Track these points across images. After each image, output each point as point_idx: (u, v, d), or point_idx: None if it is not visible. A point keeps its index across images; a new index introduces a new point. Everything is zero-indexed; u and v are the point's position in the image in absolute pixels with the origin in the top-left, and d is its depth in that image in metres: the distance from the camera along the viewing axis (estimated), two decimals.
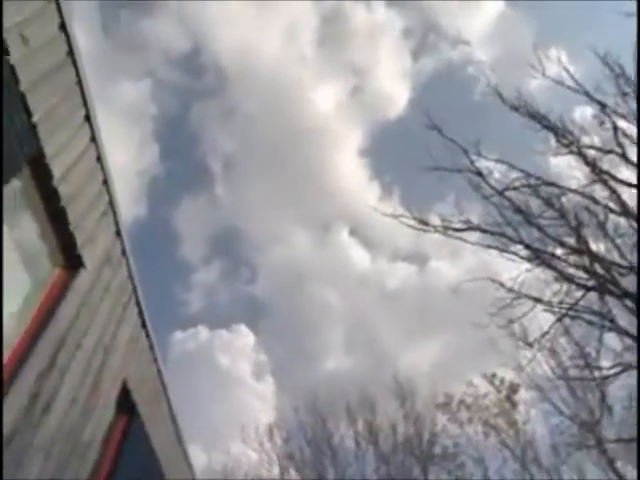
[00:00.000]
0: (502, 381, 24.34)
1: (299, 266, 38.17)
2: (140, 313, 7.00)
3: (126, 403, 6.75)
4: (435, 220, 17.98)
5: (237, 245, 42.02)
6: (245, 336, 37.02)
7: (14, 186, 4.26)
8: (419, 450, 23.64)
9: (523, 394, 24.23)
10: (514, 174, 17.23)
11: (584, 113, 17.77)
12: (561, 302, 16.21)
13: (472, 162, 17.59)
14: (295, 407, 25.82)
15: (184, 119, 37.97)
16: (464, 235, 17.64)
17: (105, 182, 5.63)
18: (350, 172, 37.58)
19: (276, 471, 24.33)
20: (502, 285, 16.66)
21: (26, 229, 4.75)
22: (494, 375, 24.38)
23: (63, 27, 4.47)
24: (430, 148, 17.61)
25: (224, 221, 40.32)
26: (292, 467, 24.42)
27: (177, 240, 40.66)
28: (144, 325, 7.17)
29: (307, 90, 36.81)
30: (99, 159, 5.44)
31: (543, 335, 17.35)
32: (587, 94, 16.38)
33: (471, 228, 17.46)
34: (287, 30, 35.33)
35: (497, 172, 17.81)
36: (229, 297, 41.76)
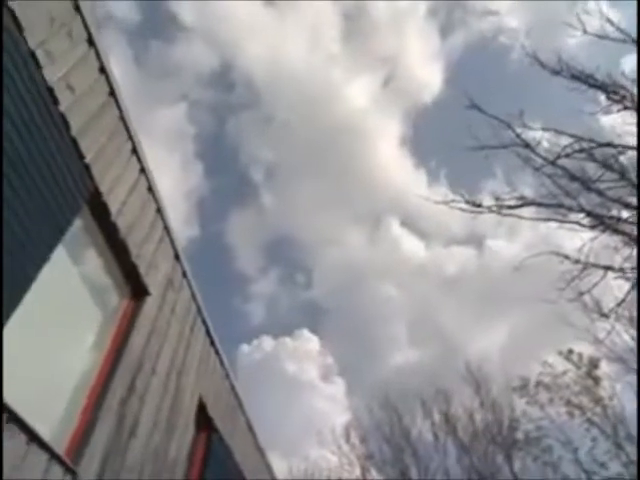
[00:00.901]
0: (580, 357, 23.25)
1: (354, 264, 38.15)
2: (207, 332, 7.21)
3: (204, 419, 6.97)
4: (488, 200, 17.44)
5: (290, 251, 42.47)
6: (309, 341, 37.42)
7: (76, 225, 4.49)
8: (500, 437, 23.01)
9: (605, 368, 23.06)
10: (564, 140, 16.46)
11: (634, 64, 16.73)
12: (634, 267, 15.35)
13: (518, 135, 16.91)
14: (368, 406, 25.79)
15: (222, 135, 38.77)
16: (519, 211, 17.03)
17: (158, 210, 5.83)
18: (394, 163, 37.19)
19: (357, 472, 24.32)
20: (567, 257, 15.92)
21: (91, 264, 4.98)
22: (570, 351, 23.32)
23: (103, 70, 4.68)
24: (472, 127, 17.06)
25: (274, 229, 40.90)
26: (373, 467, 24.36)
27: (231, 254, 41.62)
28: (212, 343, 7.37)
29: (339, 88, 36.67)
30: (150, 189, 5.65)
31: (619, 304, 16.43)
32: (636, 42, 15.41)
33: (526, 203, 16.81)
34: (311, 32, 35.31)
35: (546, 141, 17.07)
36: (289, 304, 42.31)
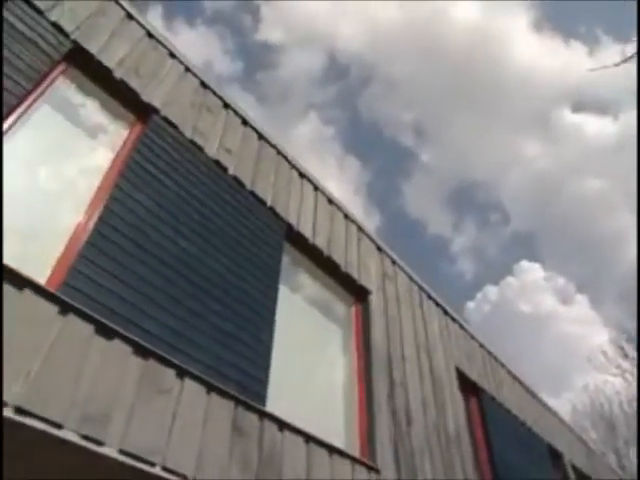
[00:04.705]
0: None
1: (543, 175, 34.51)
2: (437, 304, 7.27)
3: (468, 385, 7.02)
4: None
5: (474, 195, 40.14)
6: (532, 271, 35.04)
7: (285, 262, 4.93)
8: None
9: None
10: None
11: None
12: None
13: None
14: (631, 311, 22.88)
15: (358, 120, 38.65)
16: None
17: (346, 216, 6.10)
18: (537, 51, 32.65)
19: None
20: None
21: (309, 288, 5.40)
22: None
23: (245, 122, 5.12)
24: None
25: (448, 181, 39.41)
26: None
27: (421, 224, 41.22)
28: (446, 312, 7.40)
29: (445, 13, 33.46)
30: (330, 201, 5.94)
31: None
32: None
33: None
34: None
35: None
36: (495, 245, 40.13)
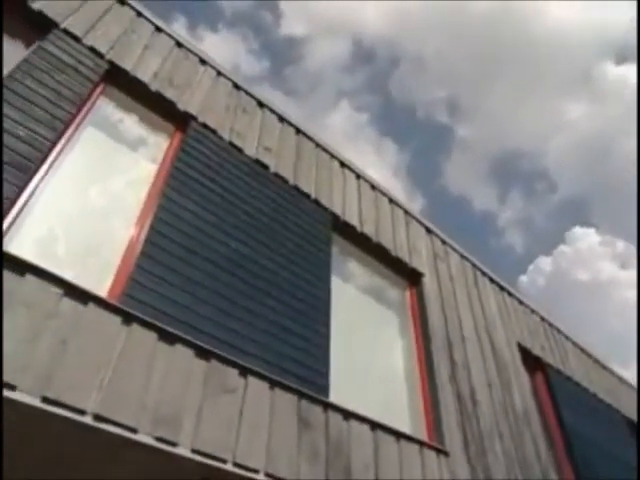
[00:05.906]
0: None
1: (589, 136, 32.66)
2: (491, 280, 7.10)
3: (532, 360, 6.84)
4: None
5: (517, 165, 38.50)
6: (586, 237, 33.40)
7: (334, 252, 4.94)
8: None
9: None
10: None
11: None
12: None
13: None
14: None
15: (391, 102, 37.88)
16: None
17: (391, 200, 6.05)
18: (573, 6, 30.75)
19: None
20: None
21: (361, 275, 5.40)
22: None
23: (282, 119, 5.16)
24: None
25: (489, 154, 38.10)
26: None
27: (465, 200, 40.11)
28: (502, 288, 7.22)
29: None
30: (373, 187, 5.90)
31: None
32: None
33: None
34: None
35: None
36: (543, 215, 38.53)
